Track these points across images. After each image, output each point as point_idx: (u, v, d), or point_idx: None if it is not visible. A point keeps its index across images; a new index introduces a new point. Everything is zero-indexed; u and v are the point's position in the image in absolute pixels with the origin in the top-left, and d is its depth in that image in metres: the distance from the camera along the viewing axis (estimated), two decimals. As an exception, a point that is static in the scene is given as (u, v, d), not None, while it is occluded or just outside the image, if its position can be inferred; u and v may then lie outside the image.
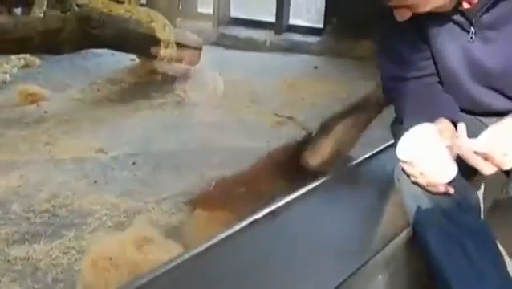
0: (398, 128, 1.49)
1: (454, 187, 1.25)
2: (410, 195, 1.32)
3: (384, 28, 1.50)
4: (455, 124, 1.32)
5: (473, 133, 1.25)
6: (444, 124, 1.32)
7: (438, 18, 1.37)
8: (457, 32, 1.38)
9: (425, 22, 1.40)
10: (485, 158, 1.18)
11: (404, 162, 1.28)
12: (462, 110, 1.48)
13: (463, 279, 1.20)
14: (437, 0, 1.29)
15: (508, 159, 1.16)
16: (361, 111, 1.96)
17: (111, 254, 1.80)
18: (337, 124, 1.93)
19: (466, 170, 1.33)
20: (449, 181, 1.25)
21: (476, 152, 1.19)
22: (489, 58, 1.36)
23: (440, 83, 1.49)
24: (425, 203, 1.28)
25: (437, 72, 1.48)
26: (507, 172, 1.30)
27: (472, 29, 1.35)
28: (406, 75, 1.47)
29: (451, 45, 1.39)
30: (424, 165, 1.25)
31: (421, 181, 1.27)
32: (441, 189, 1.25)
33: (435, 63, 1.46)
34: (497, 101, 1.43)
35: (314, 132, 1.95)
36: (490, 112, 1.46)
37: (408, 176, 1.30)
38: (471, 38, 1.35)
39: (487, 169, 1.19)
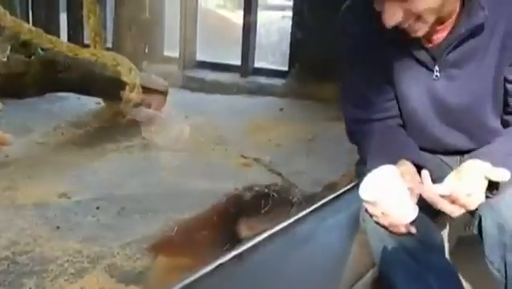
0: (361, 169, 1.51)
1: (417, 227, 1.27)
2: (375, 235, 1.33)
3: (346, 70, 1.53)
4: (416, 166, 1.35)
5: (435, 173, 1.28)
6: (406, 165, 1.34)
7: (403, 56, 1.40)
8: (422, 71, 1.41)
9: (390, 62, 1.42)
10: (451, 201, 1.21)
11: (367, 202, 1.30)
12: (425, 149, 1.51)
13: None
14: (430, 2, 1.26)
15: (472, 200, 1.20)
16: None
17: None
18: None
19: (430, 211, 1.36)
20: (410, 221, 1.27)
21: (442, 196, 1.22)
22: (453, 95, 1.40)
23: (403, 125, 1.52)
24: (390, 243, 1.29)
25: (400, 114, 1.51)
26: (471, 212, 1.33)
27: (436, 67, 1.38)
28: (370, 116, 1.49)
29: (415, 84, 1.42)
30: (386, 206, 1.27)
31: (383, 221, 1.28)
32: (403, 229, 1.26)
33: (398, 104, 1.49)
34: (461, 141, 1.47)
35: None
36: (453, 152, 1.50)
37: (371, 216, 1.31)
38: (436, 76, 1.39)
39: (454, 212, 1.22)
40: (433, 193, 1.22)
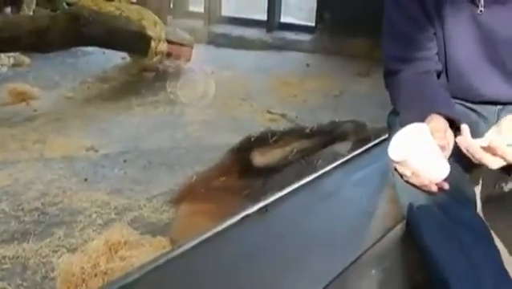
0: (394, 121, 1.48)
1: (450, 182, 1.24)
2: (405, 189, 1.30)
3: (388, 7, 1.48)
4: (449, 120, 1.31)
5: (470, 127, 1.24)
6: (438, 122, 1.30)
7: None
8: (466, 5, 1.37)
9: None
10: (491, 153, 1.18)
11: (396, 162, 1.27)
12: (463, 100, 1.47)
13: (459, 273, 1.19)
14: None
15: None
16: (323, 138, 2.09)
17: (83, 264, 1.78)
18: (292, 139, 2.03)
19: (464, 166, 1.32)
20: (441, 180, 1.23)
21: (481, 147, 1.18)
22: (500, 27, 1.36)
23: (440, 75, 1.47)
24: (420, 197, 1.27)
25: (445, 61, 1.46)
26: (504, 169, 1.29)
27: (481, 1, 1.35)
28: (408, 54, 1.45)
29: (459, 20, 1.39)
30: (416, 165, 1.24)
31: (413, 180, 1.25)
32: (433, 188, 1.23)
33: (443, 49, 1.45)
34: (502, 89, 1.42)
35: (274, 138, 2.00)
36: (492, 102, 1.45)
37: (401, 175, 1.28)
38: (480, 11, 1.35)
39: (493, 162, 1.19)
40: (472, 144, 1.18)
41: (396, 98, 1.47)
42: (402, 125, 1.33)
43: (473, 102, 1.48)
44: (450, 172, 1.22)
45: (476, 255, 1.19)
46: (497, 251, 1.25)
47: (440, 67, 1.46)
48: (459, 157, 1.26)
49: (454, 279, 1.18)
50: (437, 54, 1.46)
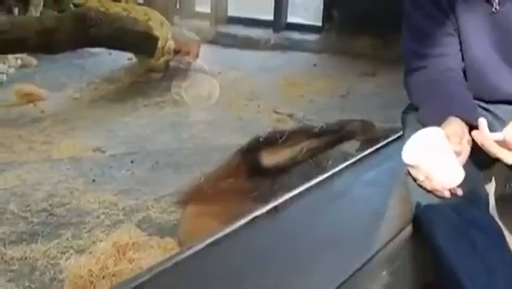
0: (409, 118, 1.46)
1: (464, 182, 1.22)
2: (417, 189, 1.29)
3: (407, 4, 1.48)
4: (467, 123, 1.29)
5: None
6: (455, 125, 1.28)
7: None
8: (481, 4, 1.37)
9: None
10: (508, 148, 1.16)
11: (410, 166, 1.26)
12: (481, 100, 1.46)
13: (473, 275, 1.17)
14: None
15: None
16: (331, 138, 2.08)
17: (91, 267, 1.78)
18: (301, 138, 2.02)
19: (478, 165, 1.30)
20: (454, 186, 1.22)
21: (496, 142, 1.17)
22: None
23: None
24: (433, 197, 1.25)
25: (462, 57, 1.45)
26: (511, 167, 1.28)
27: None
28: (427, 50, 1.45)
29: (474, 18, 1.38)
30: (429, 170, 1.22)
31: (426, 185, 1.24)
32: (446, 194, 1.22)
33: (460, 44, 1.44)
34: None
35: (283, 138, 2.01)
36: (509, 101, 1.44)
37: (414, 178, 1.27)
38: (495, 9, 1.34)
39: (510, 158, 1.17)
40: (488, 138, 1.17)
41: (415, 95, 1.46)
42: (421, 123, 1.32)
43: (489, 102, 1.46)
44: (465, 170, 1.21)
45: (490, 258, 1.18)
46: (511, 254, 1.23)
47: (460, 64, 1.45)
48: (474, 155, 1.24)
49: (468, 282, 1.16)
50: (460, 50, 1.44)
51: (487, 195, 1.37)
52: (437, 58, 1.44)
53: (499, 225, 1.26)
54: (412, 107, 1.51)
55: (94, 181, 2.60)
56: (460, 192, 1.22)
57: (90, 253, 1.93)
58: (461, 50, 1.44)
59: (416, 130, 1.29)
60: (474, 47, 1.40)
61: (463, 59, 1.45)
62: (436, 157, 1.22)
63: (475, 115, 1.31)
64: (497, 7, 1.34)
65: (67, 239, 2.09)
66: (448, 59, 1.43)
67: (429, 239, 1.26)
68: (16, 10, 4.76)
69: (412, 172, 1.26)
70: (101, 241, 2.03)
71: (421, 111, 1.41)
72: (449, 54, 1.44)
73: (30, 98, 3.71)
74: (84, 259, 1.87)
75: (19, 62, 4.39)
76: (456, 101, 1.37)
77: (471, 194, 1.25)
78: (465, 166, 1.23)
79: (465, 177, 1.21)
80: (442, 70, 1.43)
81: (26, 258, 1.97)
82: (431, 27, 1.44)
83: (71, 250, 2.01)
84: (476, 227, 1.21)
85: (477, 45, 1.40)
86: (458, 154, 1.23)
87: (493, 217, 1.29)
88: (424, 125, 1.30)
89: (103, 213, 2.28)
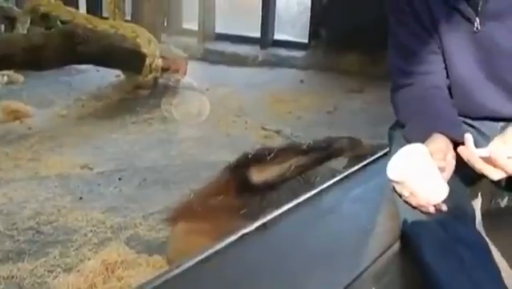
0: (395, 135, 1.48)
1: (450, 198, 1.23)
2: (405, 205, 1.30)
3: (391, 22, 1.50)
4: (452, 140, 1.32)
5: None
6: (439, 142, 1.31)
7: (444, 8, 1.38)
8: (462, 23, 1.39)
9: (432, 14, 1.41)
10: (492, 164, 1.18)
11: (395, 182, 1.28)
12: (467, 117, 1.48)
13: None
14: None
15: None
16: (319, 154, 2.09)
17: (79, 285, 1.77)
18: (289, 155, 2.03)
19: (464, 181, 1.32)
20: (438, 201, 1.24)
21: (482, 158, 1.19)
22: (496, 43, 1.37)
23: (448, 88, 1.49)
24: (420, 213, 1.26)
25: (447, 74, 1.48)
26: (496, 183, 1.30)
27: (477, 19, 1.36)
28: (413, 68, 1.46)
29: (456, 37, 1.40)
30: (414, 186, 1.24)
31: (411, 201, 1.26)
32: (431, 209, 1.24)
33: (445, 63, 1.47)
34: (506, 105, 1.43)
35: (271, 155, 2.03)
36: (496, 118, 1.46)
37: (400, 195, 1.29)
38: (477, 28, 1.36)
39: (495, 174, 1.19)
40: (473, 154, 1.19)
41: (402, 112, 1.48)
42: (406, 140, 1.33)
43: (474, 118, 1.48)
44: (450, 187, 1.23)
45: (477, 275, 1.19)
46: (498, 270, 1.25)
47: (446, 80, 1.47)
48: (460, 170, 1.26)
49: None
50: (445, 68, 1.47)
51: (473, 211, 1.39)
52: (423, 75, 1.46)
53: (486, 242, 1.28)
54: (398, 124, 1.53)
55: (81, 198, 2.58)
56: (444, 207, 1.24)
57: (78, 271, 1.91)
58: (445, 67, 1.47)
59: (402, 146, 1.30)
60: (459, 66, 1.43)
61: (448, 77, 1.48)
62: (419, 173, 1.24)
63: (460, 131, 1.33)
64: (479, 27, 1.37)
65: (55, 257, 2.07)
66: (433, 76, 1.46)
67: (417, 256, 1.27)
68: (2, 27, 4.76)
69: (397, 188, 1.28)
70: (89, 259, 2.01)
71: (407, 128, 1.43)
72: (434, 72, 1.46)
73: (16, 115, 3.69)
74: (72, 278, 1.85)
75: (6, 78, 4.38)
76: (441, 118, 1.39)
77: (457, 210, 1.27)
78: (450, 182, 1.25)
79: (451, 193, 1.23)
80: (428, 87, 1.45)
81: (12, 276, 1.95)
82: (416, 45, 1.46)
83: (59, 269, 2.00)
84: (463, 244, 1.22)
85: (462, 63, 1.42)
86: (442, 170, 1.25)
87: (479, 233, 1.31)
88: (409, 142, 1.32)
89: (91, 230, 2.27)
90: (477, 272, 1.19)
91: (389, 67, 1.55)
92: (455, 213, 1.25)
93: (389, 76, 1.56)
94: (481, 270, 1.20)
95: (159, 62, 4.15)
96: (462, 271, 1.19)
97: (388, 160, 1.31)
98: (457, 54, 1.42)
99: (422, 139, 1.30)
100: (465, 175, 1.30)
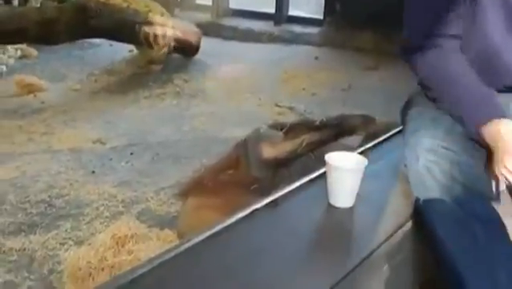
0: (409, 114, 1.43)
1: (466, 175, 1.21)
2: (419, 182, 1.28)
3: None
4: None
5: None
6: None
7: None
8: None
9: None
10: None
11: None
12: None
13: (473, 267, 1.16)
14: None
15: None
16: (332, 131, 2.07)
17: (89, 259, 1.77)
18: (302, 131, 2.01)
19: (482, 156, 1.29)
20: None
21: None
22: None
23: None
24: (434, 190, 1.24)
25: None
26: None
27: None
28: (441, 30, 1.36)
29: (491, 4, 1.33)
30: None
31: None
32: None
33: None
34: None
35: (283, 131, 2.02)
36: None
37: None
38: None
39: None
40: None
41: (430, 78, 1.39)
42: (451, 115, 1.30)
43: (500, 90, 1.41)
44: (468, 163, 1.20)
45: (491, 250, 1.17)
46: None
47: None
48: (477, 147, 1.23)
49: (470, 274, 1.16)
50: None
51: (491, 188, 1.35)
52: (450, 39, 1.36)
53: (500, 218, 1.25)
54: (412, 103, 1.48)
55: (93, 172, 2.59)
56: None
57: (89, 244, 1.92)
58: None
59: (422, 123, 1.27)
60: (493, 32, 1.34)
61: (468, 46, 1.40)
62: None
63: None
64: None
65: (66, 230, 2.08)
66: (456, 41, 1.36)
67: (431, 233, 1.25)
68: (16, 1, 4.74)
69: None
70: (100, 232, 2.02)
71: (451, 107, 1.34)
72: (458, 37, 1.36)
73: (30, 89, 3.69)
74: (83, 251, 1.86)
75: (19, 52, 4.38)
76: (492, 102, 1.30)
77: (474, 187, 1.24)
78: (468, 159, 1.22)
79: (468, 169, 1.20)
80: (457, 51, 1.36)
81: (24, 249, 1.97)
82: (445, 6, 1.35)
83: (70, 242, 2.01)
84: (477, 220, 1.20)
85: (495, 30, 1.34)
86: None
87: (494, 210, 1.28)
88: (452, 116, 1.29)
89: (103, 204, 2.28)
90: (490, 248, 1.17)
91: (408, 27, 1.43)
92: (471, 189, 1.22)
93: (404, 36, 1.45)
94: (495, 245, 1.18)
95: (172, 37, 4.11)
96: (476, 247, 1.17)
97: (402, 138, 1.29)
98: (492, 20, 1.34)
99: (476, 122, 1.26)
100: (482, 152, 1.26)
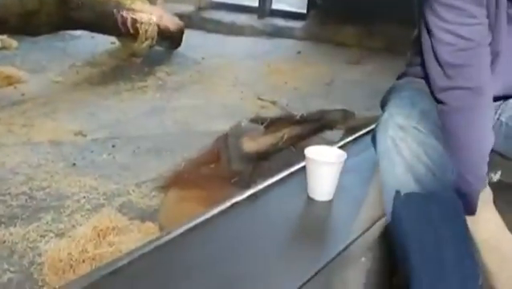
0: (389, 99, 1.43)
1: (434, 156, 1.23)
2: (385, 156, 1.28)
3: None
4: None
5: None
6: None
7: None
8: None
9: None
10: None
11: None
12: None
13: (423, 249, 1.17)
14: None
15: None
16: (312, 126, 2.10)
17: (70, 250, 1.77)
18: (283, 126, 2.03)
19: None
20: None
21: None
22: None
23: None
24: (399, 165, 1.23)
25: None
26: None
27: None
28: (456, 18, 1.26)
29: None
30: None
31: None
32: None
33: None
34: None
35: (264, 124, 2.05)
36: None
37: None
38: None
39: None
40: None
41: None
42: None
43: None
44: (437, 146, 1.23)
45: (442, 228, 1.18)
46: (467, 231, 1.24)
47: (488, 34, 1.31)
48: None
49: (418, 256, 1.17)
50: None
51: (453, 173, 1.35)
52: (467, 27, 1.26)
53: (459, 202, 1.26)
54: (392, 90, 1.49)
55: (74, 164, 2.58)
56: None
57: (70, 236, 1.92)
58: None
59: (400, 103, 1.30)
60: None
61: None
62: None
63: None
64: None
65: (47, 223, 2.08)
66: (478, 26, 1.27)
67: (392, 215, 1.26)
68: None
69: None
70: (81, 225, 2.02)
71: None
72: (479, 24, 1.27)
73: (9, 80, 3.65)
74: (64, 243, 1.86)
75: (-1, 43, 4.33)
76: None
77: (437, 170, 1.24)
78: (438, 144, 1.25)
79: (435, 151, 1.23)
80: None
81: (4, 241, 1.96)
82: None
83: (51, 234, 2.00)
84: (435, 202, 1.21)
85: None
86: None
87: (454, 194, 1.28)
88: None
89: (84, 197, 2.27)
90: (443, 227, 1.19)
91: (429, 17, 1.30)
92: (434, 173, 1.23)
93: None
94: (448, 226, 1.19)
95: (154, 31, 4.09)
96: (429, 225, 1.19)
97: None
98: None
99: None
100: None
